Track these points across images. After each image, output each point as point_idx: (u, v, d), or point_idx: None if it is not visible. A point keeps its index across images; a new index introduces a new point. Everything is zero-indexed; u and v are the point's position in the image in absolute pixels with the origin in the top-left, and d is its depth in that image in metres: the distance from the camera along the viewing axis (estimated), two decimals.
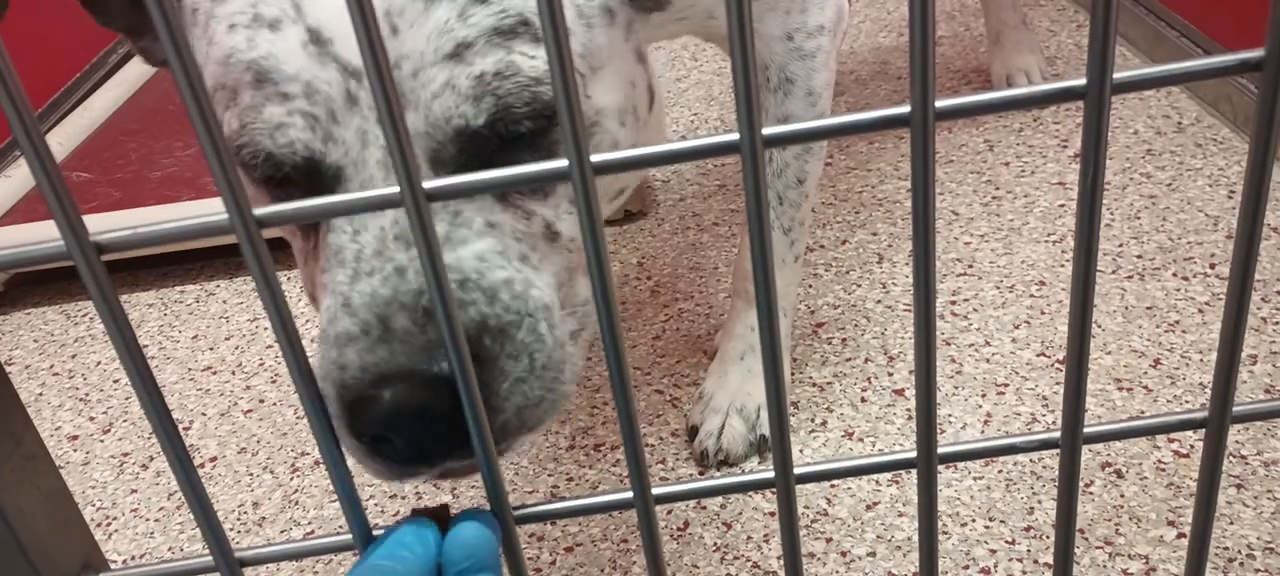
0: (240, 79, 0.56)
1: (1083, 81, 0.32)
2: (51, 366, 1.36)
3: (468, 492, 1.03)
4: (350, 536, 0.43)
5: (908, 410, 1.05)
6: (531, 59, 0.55)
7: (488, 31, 0.55)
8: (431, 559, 0.42)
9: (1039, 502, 0.92)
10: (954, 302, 1.18)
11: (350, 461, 0.48)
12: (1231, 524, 0.87)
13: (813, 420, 1.05)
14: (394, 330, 0.53)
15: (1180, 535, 0.87)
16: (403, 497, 1.04)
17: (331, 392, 0.54)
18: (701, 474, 1.01)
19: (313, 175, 0.57)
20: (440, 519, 0.44)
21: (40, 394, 1.31)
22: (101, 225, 0.33)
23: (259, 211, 0.34)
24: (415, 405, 0.52)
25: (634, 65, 0.65)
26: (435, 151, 0.56)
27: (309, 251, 0.61)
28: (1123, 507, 0.90)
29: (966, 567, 0.87)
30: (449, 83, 0.54)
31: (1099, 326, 1.11)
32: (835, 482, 0.97)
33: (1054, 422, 1.00)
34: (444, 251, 0.55)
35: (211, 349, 1.34)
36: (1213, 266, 1.18)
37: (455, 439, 0.51)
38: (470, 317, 0.55)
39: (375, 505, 1.04)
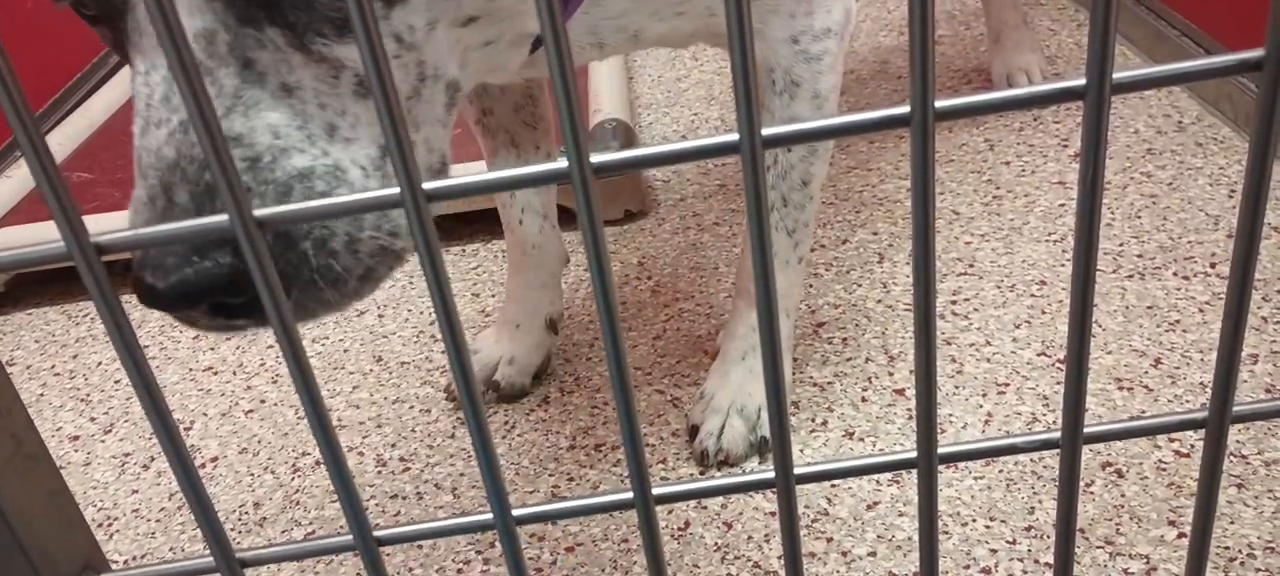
0: None
1: (1083, 81, 0.32)
2: (53, 366, 1.36)
3: (468, 493, 1.03)
4: (351, 537, 0.43)
5: (908, 410, 1.05)
6: None
7: None
8: None
9: (1039, 502, 0.92)
10: (954, 302, 1.18)
11: (351, 462, 0.49)
12: (1232, 523, 0.87)
13: (813, 420, 1.05)
14: (175, 206, 0.50)
15: (1181, 535, 0.87)
16: (403, 497, 1.04)
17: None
18: (702, 473, 1.01)
19: (103, 4, 0.52)
20: None
21: (41, 394, 1.31)
22: (102, 225, 0.33)
23: (259, 213, 0.34)
24: (186, 297, 0.49)
25: None
26: None
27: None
28: (1123, 507, 0.90)
29: (967, 567, 0.87)
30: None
31: (1099, 326, 1.11)
32: (836, 482, 0.97)
33: (1054, 422, 1.00)
34: (234, 116, 0.50)
35: (212, 349, 1.34)
36: (1213, 266, 1.18)
37: (236, 307, 0.50)
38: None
39: (375, 505, 1.04)
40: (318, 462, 1.11)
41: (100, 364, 1.35)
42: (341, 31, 0.52)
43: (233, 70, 0.51)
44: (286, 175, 0.51)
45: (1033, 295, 1.18)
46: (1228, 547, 0.85)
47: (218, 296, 0.50)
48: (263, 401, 1.22)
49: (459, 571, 0.95)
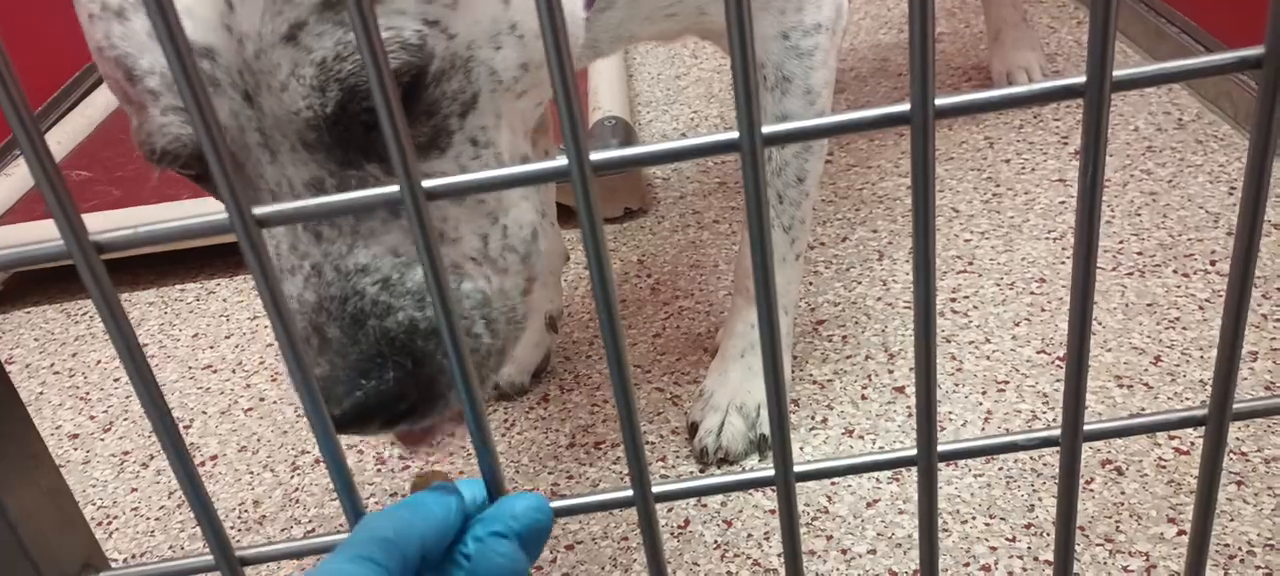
0: (114, 75, 0.55)
1: (1082, 79, 0.32)
2: (52, 365, 1.36)
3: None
4: (349, 535, 0.43)
5: (908, 407, 1.05)
6: None
7: (317, 7, 0.52)
8: (452, 519, 0.42)
9: (1039, 499, 0.92)
10: (954, 300, 1.18)
11: (350, 460, 0.50)
12: (1232, 520, 0.87)
13: (813, 417, 1.05)
14: (329, 341, 0.55)
15: (1180, 532, 0.87)
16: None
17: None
18: (701, 471, 1.01)
19: (205, 167, 0.56)
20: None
21: (41, 393, 1.31)
22: (101, 224, 0.33)
23: (258, 211, 0.34)
24: (360, 418, 0.55)
25: None
26: (299, 134, 0.54)
27: None
28: (1123, 504, 0.90)
29: (967, 565, 0.87)
30: (294, 72, 0.52)
31: (1099, 323, 1.11)
32: (835, 480, 0.97)
33: (1054, 420, 1.00)
34: (357, 251, 0.55)
35: (212, 347, 1.34)
36: (1213, 263, 1.18)
37: (406, 411, 0.57)
38: (399, 322, 0.56)
39: (375, 503, 1.04)
40: (317, 460, 1.11)
41: (99, 362, 1.35)
42: (427, 151, 0.57)
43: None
44: (417, 283, 0.56)
45: (1032, 293, 1.18)
46: (1227, 544, 0.85)
47: (390, 411, 0.56)
48: (262, 399, 1.22)
49: None
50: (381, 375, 0.55)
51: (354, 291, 0.55)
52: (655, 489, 0.41)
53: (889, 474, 0.97)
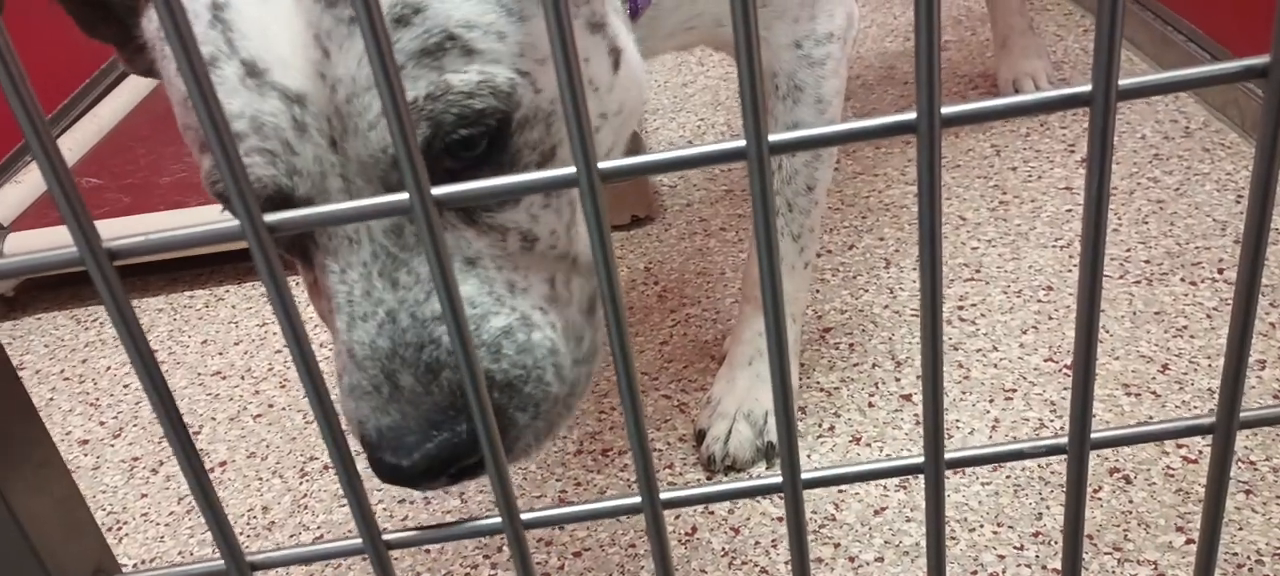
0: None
1: (1089, 88, 0.32)
2: (62, 371, 1.37)
3: (476, 498, 1.04)
4: (360, 540, 0.43)
5: (915, 415, 1.05)
6: (462, 75, 0.54)
7: (414, 55, 0.53)
8: None
9: (1047, 508, 0.92)
10: (961, 308, 1.18)
11: (359, 465, 0.49)
12: (1240, 529, 0.87)
13: (820, 425, 1.05)
14: (401, 389, 0.55)
15: (1189, 541, 0.87)
16: (411, 502, 1.05)
17: (356, 437, 0.57)
18: (709, 479, 1.01)
19: (283, 208, 0.57)
20: None
21: (51, 399, 1.31)
22: (111, 231, 0.34)
23: (270, 217, 0.34)
24: (430, 471, 0.55)
25: (585, 40, 0.62)
26: (383, 177, 0.55)
27: (312, 285, 0.62)
28: (1131, 513, 0.90)
29: (975, 573, 0.87)
30: (385, 111, 0.53)
31: (1107, 332, 1.11)
32: (843, 487, 0.97)
33: (1062, 428, 1.00)
34: (435, 298, 0.55)
35: (221, 354, 1.34)
36: (1221, 271, 1.17)
37: (468, 465, 0.56)
38: None
39: (383, 509, 1.04)
40: (326, 467, 1.11)
41: (109, 368, 1.36)
42: (502, 201, 0.58)
43: (423, 257, 0.55)
44: (492, 335, 0.57)
45: (1040, 300, 1.18)
46: (1236, 554, 0.85)
47: (462, 463, 0.56)
48: (271, 406, 1.23)
49: (467, 575, 0.95)
50: (454, 427, 0.55)
51: (430, 339, 0.55)
52: (662, 496, 0.41)
53: (897, 481, 0.97)
